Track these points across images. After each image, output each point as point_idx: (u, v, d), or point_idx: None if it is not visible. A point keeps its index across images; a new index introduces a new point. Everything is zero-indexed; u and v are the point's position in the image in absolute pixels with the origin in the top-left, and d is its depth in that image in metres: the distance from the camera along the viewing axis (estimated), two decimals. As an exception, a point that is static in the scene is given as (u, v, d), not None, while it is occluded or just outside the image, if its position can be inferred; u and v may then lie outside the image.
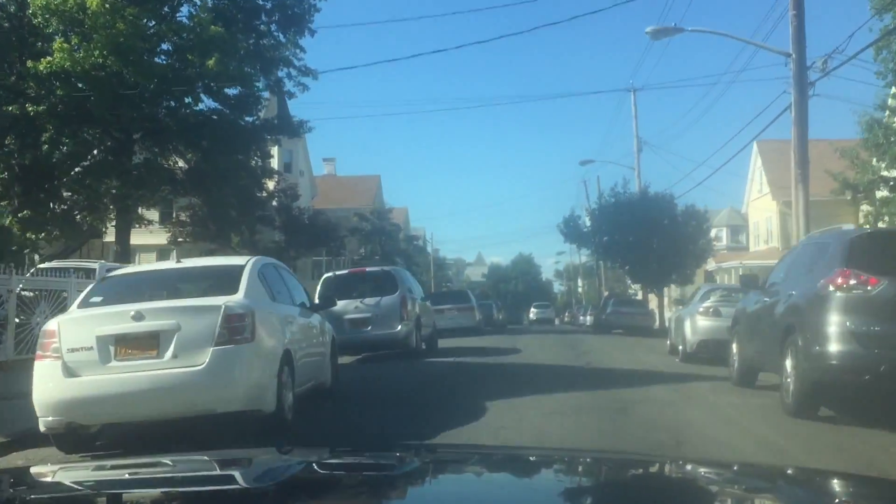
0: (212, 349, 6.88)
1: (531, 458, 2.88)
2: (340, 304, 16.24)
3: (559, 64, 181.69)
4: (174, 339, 6.88)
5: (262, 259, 8.89)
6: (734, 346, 11.11)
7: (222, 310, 7.00)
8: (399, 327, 16.01)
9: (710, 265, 45.05)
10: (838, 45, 15.88)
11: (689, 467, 2.68)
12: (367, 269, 17.18)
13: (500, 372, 12.99)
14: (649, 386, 10.89)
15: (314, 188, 53.42)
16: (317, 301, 11.17)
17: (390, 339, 16.10)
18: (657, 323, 35.21)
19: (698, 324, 14.44)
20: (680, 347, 15.29)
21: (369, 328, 16.07)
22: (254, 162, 34.20)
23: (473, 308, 31.10)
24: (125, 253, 30.62)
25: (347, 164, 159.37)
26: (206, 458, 2.76)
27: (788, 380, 8.46)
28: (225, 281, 7.70)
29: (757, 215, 48.30)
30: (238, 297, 7.34)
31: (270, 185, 42.46)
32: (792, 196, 18.03)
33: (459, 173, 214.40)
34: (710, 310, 14.42)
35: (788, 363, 8.47)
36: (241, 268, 7.92)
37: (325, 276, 17.01)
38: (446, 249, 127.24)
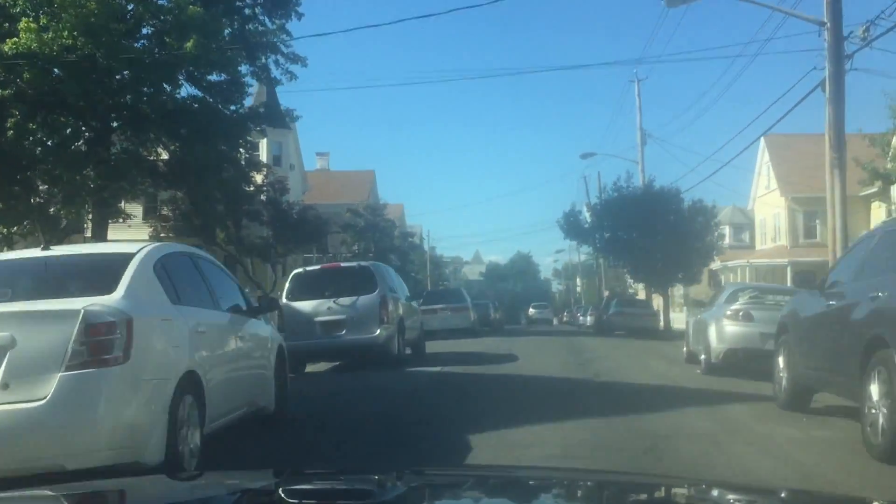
0: (60, 375, 4.61)
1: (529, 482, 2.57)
2: (311, 305, 14.00)
3: (561, 45, 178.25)
4: (4, 360, 4.62)
5: (165, 246, 6.58)
6: (780, 360, 8.85)
7: (80, 317, 4.74)
8: (378, 331, 13.75)
9: (716, 264, 42.72)
10: (884, 8, 13.53)
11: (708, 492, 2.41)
12: (343, 264, 14.86)
13: (492, 388, 10.71)
14: (676, 410, 8.61)
15: (305, 183, 51.17)
16: (272, 302, 8.79)
17: (368, 344, 13.83)
18: (662, 325, 32.95)
19: (725, 330, 12.16)
20: (702, 357, 13.00)
21: (344, 332, 13.80)
22: (239, 153, 32.17)
23: (468, 308, 28.83)
24: None
25: (342, 159, 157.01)
26: None
27: (875, 411, 6.20)
28: (102, 276, 5.43)
29: (764, 212, 46.03)
30: (112, 298, 5.07)
31: (258, 178, 40.44)
32: (826, 185, 15.76)
33: (457, 170, 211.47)
34: (740, 313, 12.13)
35: (875, 389, 6.21)
36: (129, 258, 5.64)
37: (295, 272, 14.71)
38: (444, 248, 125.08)
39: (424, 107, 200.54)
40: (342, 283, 14.21)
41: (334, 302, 13.87)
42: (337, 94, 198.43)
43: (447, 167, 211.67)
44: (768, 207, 44.82)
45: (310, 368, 15.02)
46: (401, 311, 14.95)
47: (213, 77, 28.52)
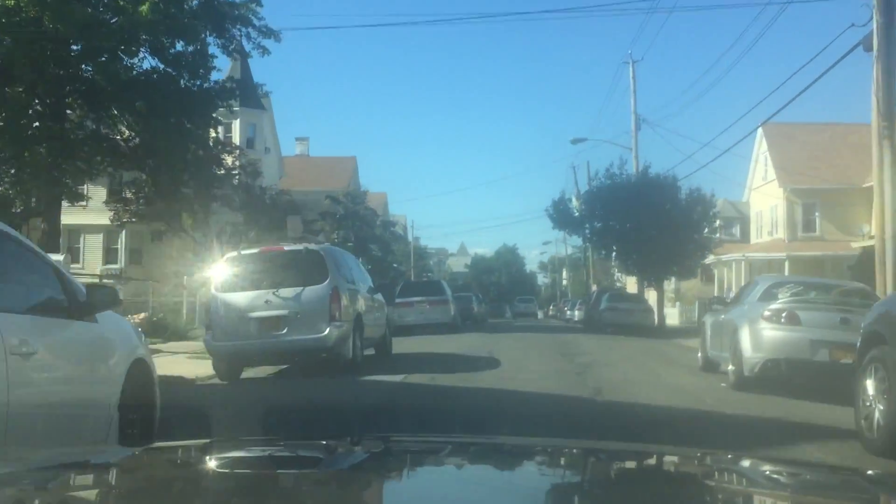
0: None
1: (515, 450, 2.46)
2: (245, 298, 11.14)
3: (552, 36, 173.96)
4: None
5: None
6: (870, 383, 6.08)
7: None
8: (327, 330, 10.89)
9: (709, 258, 40.06)
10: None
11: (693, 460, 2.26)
12: (286, 246, 11.95)
13: (464, 410, 7.85)
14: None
15: (282, 167, 48.14)
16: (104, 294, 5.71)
17: (314, 346, 10.97)
18: (656, 321, 30.16)
19: (764, 335, 9.35)
20: (729, 367, 10.20)
21: (284, 331, 10.93)
22: (207, 133, 29.40)
23: (448, 301, 26.02)
24: (54, 233, 25.80)
25: (323, 145, 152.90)
26: None
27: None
28: None
29: (760, 204, 43.37)
30: None
31: (230, 160, 37.58)
32: (873, 157, 12.94)
33: (443, 157, 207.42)
34: (783, 314, 9.32)
35: None
36: None
37: (226, 256, 11.77)
38: (429, 239, 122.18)
39: (409, 92, 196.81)
40: (285, 271, 11.33)
41: (274, 294, 10.99)
42: (318, 76, 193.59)
43: (433, 154, 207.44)
44: (765, 199, 42.18)
45: (249, 373, 12.19)
46: (359, 305, 12.09)
47: (178, 48, 26.14)
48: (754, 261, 40.51)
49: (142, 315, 18.22)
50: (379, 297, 14.10)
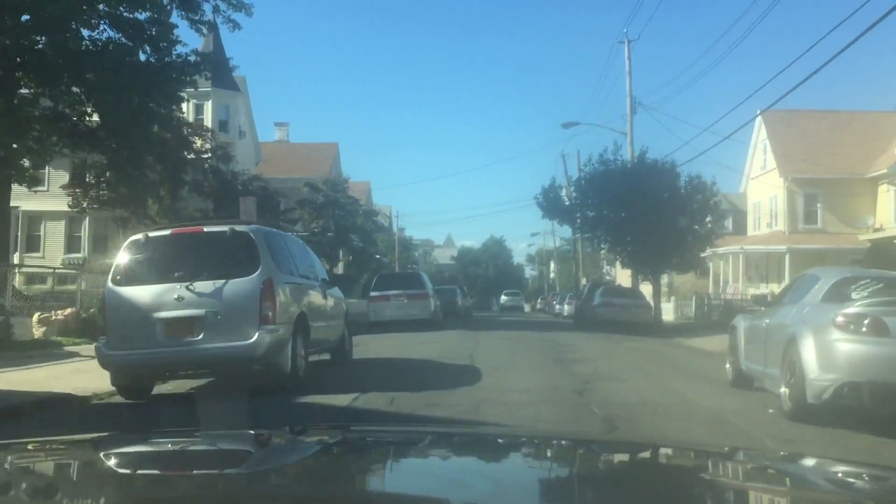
0: None
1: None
2: (150, 293, 8.47)
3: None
4: None
5: None
6: None
7: None
8: (256, 335, 8.22)
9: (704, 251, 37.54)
10: None
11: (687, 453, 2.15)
12: (206, 227, 9.23)
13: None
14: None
15: (259, 153, 45.30)
16: None
17: (238, 356, 8.29)
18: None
19: (838, 349, 6.72)
20: (782, 389, 7.58)
21: (200, 337, 8.25)
22: (172, 111, 26.78)
23: (428, 295, 23.37)
24: (4, 217, 23.20)
25: (305, 132, 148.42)
26: None
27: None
28: None
29: (759, 195, 40.89)
30: None
31: (199, 143, 34.86)
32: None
33: (429, 146, 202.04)
34: (865, 321, 6.69)
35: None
36: None
37: (130, 239, 9.03)
38: (415, 230, 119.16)
39: (394, 79, 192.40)
40: (204, 259, 8.64)
41: (187, 288, 8.30)
42: (300, 60, 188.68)
43: (419, 142, 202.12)
44: (764, 189, 39.72)
45: (169, 387, 9.52)
46: (304, 302, 9.42)
47: (137, 16, 23.66)
48: (752, 254, 38.07)
49: (68, 310, 15.47)
50: (335, 292, 11.44)
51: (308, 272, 10.15)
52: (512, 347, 15.06)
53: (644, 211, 26.86)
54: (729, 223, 48.65)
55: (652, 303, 27.63)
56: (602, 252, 60.24)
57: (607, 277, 58.12)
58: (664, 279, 39.60)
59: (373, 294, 23.13)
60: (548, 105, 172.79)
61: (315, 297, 10.02)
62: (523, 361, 12.35)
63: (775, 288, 36.68)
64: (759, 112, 32.30)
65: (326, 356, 11.19)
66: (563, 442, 2.35)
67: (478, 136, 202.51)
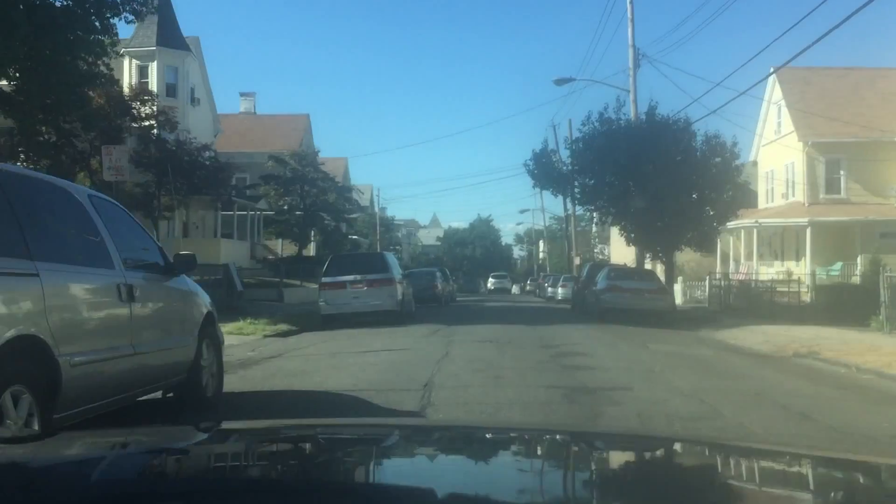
0: None
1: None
2: None
3: None
4: None
5: None
6: None
7: None
8: None
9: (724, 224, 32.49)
10: None
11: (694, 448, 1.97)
12: None
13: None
14: None
15: (218, 123, 39.96)
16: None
17: None
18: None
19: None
20: None
21: None
22: (89, 66, 21.41)
23: (392, 281, 18.29)
24: None
25: (273, 104, 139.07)
26: None
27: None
28: None
29: (772, 161, 35.88)
30: None
31: (145, 111, 29.66)
32: None
33: (410, 111, 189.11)
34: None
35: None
36: None
37: None
38: (398, 210, 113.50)
39: (370, 46, 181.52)
40: None
41: None
42: (270, 25, 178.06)
43: (399, 109, 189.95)
44: (779, 156, 34.72)
45: None
46: (84, 310, 4.43)
47: None
48: (766, 228, 33.15)
49: None
50: (184, 283, 6.39)
51: (110, 254, 5.08)
52: (494, 359, 10.00)
53: (654, 177, 21.93)
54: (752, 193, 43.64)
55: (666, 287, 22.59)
56: (595, 228, 55.17)
57: (600, 257, 53.28)
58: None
59: (324, 280, 18.07)
60: (541, 61, 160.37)
61: (128, 294, 4.96)
62: (510, 391, 7.31)
63: (792, 266, 32.05)
64: (772, 70, 27.29)
65: (168, 394, 6.17)
66: (554, 436, 2.08)
67: (464, 98, 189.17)
